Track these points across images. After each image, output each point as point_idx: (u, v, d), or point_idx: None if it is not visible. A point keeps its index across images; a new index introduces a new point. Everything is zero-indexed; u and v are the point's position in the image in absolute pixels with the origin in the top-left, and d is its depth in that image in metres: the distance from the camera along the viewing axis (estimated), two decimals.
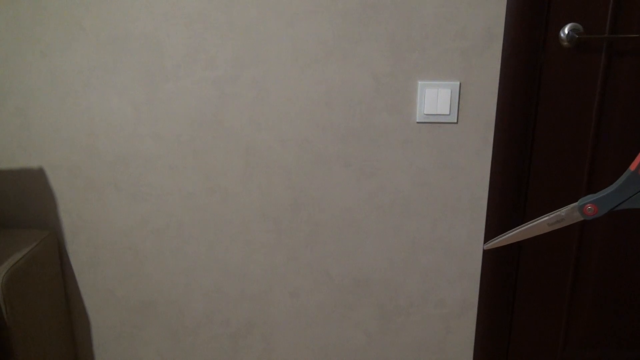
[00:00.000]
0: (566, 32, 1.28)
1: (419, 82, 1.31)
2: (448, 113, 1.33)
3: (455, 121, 1.34)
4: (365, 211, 1.43)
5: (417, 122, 1.34)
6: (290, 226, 1.44)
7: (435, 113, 1.33)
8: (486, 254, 1.46)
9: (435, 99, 1.31)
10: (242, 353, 1.57)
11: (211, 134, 1.36)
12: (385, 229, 1.44)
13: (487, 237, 1.45)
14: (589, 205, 0.47)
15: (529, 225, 0.49)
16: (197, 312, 1.53)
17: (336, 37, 1.28)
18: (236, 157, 1.38)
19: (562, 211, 0.48)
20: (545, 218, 0.47)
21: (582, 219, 0.49)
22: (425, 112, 1.33)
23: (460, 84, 1.31)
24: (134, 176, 1.39)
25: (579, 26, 1.28)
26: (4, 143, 1.37)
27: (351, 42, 1.29)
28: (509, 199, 1.41)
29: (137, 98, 1.33)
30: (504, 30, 1.27)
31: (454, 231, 1.44)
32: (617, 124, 1.36)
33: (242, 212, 1.43)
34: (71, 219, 1.43)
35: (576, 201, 0.51)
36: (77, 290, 1.50)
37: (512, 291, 1.52)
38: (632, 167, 0.46)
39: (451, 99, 1.32)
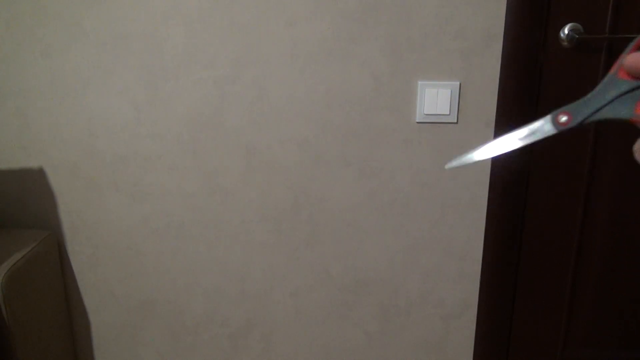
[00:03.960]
0: (566, 32, 1.28)
1: (419, 82, 1.31)
2: (448, 113, 1.33)
3: (455, 121, 1.34)
4: (365, 211, 1.43)
5: (417, 122, 1.34)
6: (290, 226, 1.44)
7: (435, 113, 1.33)
8: (486, 254, 1.46)
9: (435, 99, 1.31)
10: (242, 353, 1.57)
11: (211, 134, 1.36)
12: (385, 229, 1.44)
13: (487, 237, 1.45)
14: (561, 113, 0.42)
15: (498, 140, 0.45)
16: (197, 312, 1.53)
17: (336, 37, 1.28)
18: (236, 157, 1.38)
19: (534, 124, 0.43)
20: (516, 131, 0.43)
21: (555, 131, 0.43)
22: (425, 112, 1.32)
23: (460, 84, 1.31)
24: (134, 176, 1.39)
25: (579, 26, 1.28)
26: (4, 143, 1.37)
27: (351, 42, 1.28)
28: (508, 199, 1.41)
29: (137, 98, 1.33)
30: (504, 30, 1.27)
31: (454, 231, 1.44)
32: None
33: (242, 212, 1.43)
34: (71, 219, 1.43)
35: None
36: (77, 290, 1.50)
37: (512, 291, 1.52)
38: (612, 70, 0.42)
39: (451, 99, 1.32)
